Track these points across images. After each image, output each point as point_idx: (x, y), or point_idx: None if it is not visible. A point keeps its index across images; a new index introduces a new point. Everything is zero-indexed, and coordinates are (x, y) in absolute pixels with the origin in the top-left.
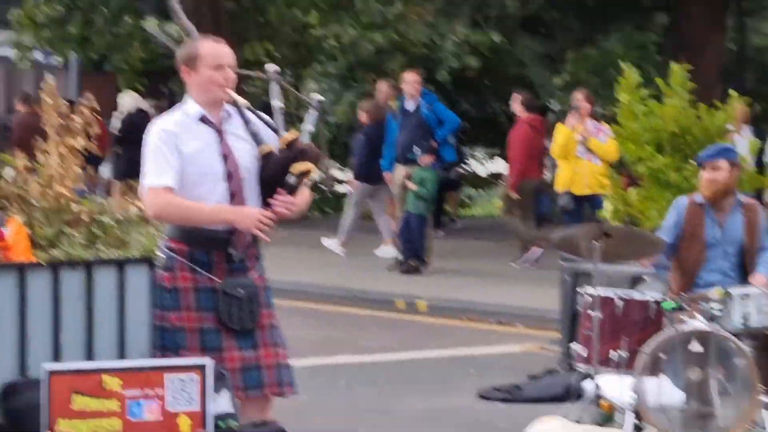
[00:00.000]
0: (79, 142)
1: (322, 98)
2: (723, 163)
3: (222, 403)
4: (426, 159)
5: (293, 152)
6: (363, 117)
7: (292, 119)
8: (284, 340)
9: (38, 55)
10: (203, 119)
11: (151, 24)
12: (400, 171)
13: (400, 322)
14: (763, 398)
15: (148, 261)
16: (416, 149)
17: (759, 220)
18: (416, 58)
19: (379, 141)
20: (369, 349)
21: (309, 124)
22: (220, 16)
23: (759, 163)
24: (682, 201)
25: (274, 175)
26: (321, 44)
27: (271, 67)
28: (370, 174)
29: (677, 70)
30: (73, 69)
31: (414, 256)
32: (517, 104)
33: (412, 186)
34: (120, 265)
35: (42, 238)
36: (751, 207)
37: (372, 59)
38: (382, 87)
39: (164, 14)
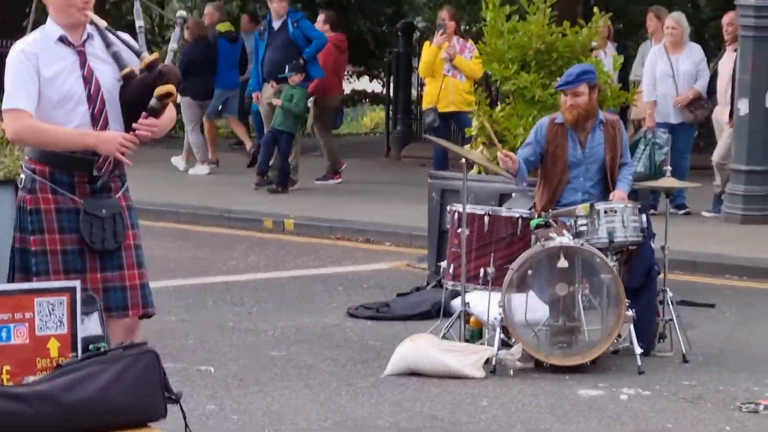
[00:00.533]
0: None
1: (185, 14)
2: (583, 88)
3: (91, 326)
4: (296, 78)
5: (153, 74)
6: (186, 33)
7: (156, 40)
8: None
9: None
10: (63, 40)
11: None
12: (267, 90)
13: (267, 241)
14: (628, 312)
15: (13, 183)
16: (288, 68)
17: (620, 137)
18: None
19: (198, 58)
20: (237, 269)
21: (174, 43)
22: None
23: (622, 79)
24: (544, 121)
25: (135, 98)
26: None
27: None
28: (194, 92)
29: None
30: None
31: (281, 174)
32: (321, 24)
33: (277, 102)
34: None
35: None
36: (612, 124)
37: None
38: (209, 11)
39: None
